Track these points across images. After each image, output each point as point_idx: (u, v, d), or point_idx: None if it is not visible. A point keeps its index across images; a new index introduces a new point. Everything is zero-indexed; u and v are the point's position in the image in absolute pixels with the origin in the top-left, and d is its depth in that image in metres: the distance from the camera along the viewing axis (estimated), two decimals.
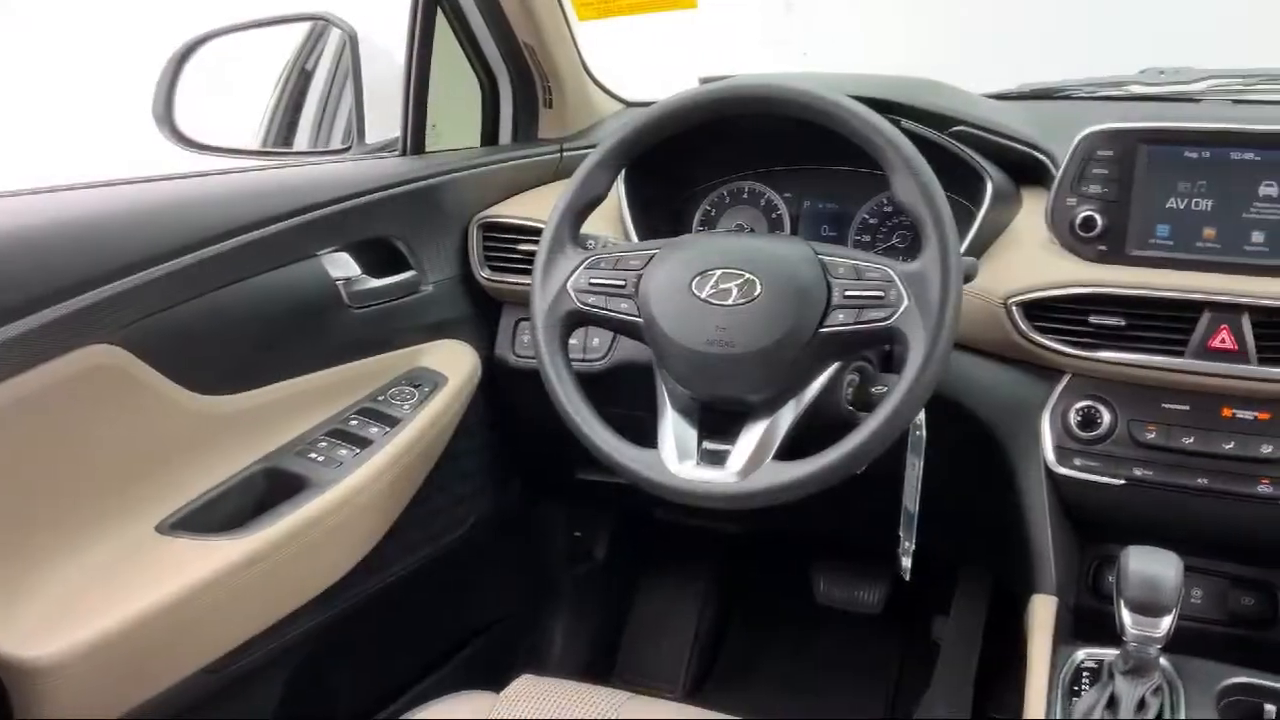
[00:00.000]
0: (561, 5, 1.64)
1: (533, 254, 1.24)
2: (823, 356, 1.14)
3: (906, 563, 1.30)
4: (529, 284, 1.23)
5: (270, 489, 1.29)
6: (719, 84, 1.19)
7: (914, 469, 1.27)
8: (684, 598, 2.15)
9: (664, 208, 1.60)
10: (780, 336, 1.09)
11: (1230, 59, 1.58)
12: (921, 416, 1.24)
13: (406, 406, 1.43)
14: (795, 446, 1.13)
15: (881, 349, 1.29)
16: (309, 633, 1.36)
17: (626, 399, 1.30)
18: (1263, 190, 1.20)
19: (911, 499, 1.29)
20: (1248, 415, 1.21)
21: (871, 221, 1.52)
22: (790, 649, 2.13)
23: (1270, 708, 1.11)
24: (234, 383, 1.27)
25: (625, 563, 2.18)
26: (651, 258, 1.18)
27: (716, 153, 1.58)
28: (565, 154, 1.72)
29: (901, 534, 1.30)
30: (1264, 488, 1.21)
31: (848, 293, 1.09)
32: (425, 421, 1.43)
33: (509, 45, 1.68)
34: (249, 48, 1.88)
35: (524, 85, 1.73)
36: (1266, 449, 1.20)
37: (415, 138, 1.61)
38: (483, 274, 1.59)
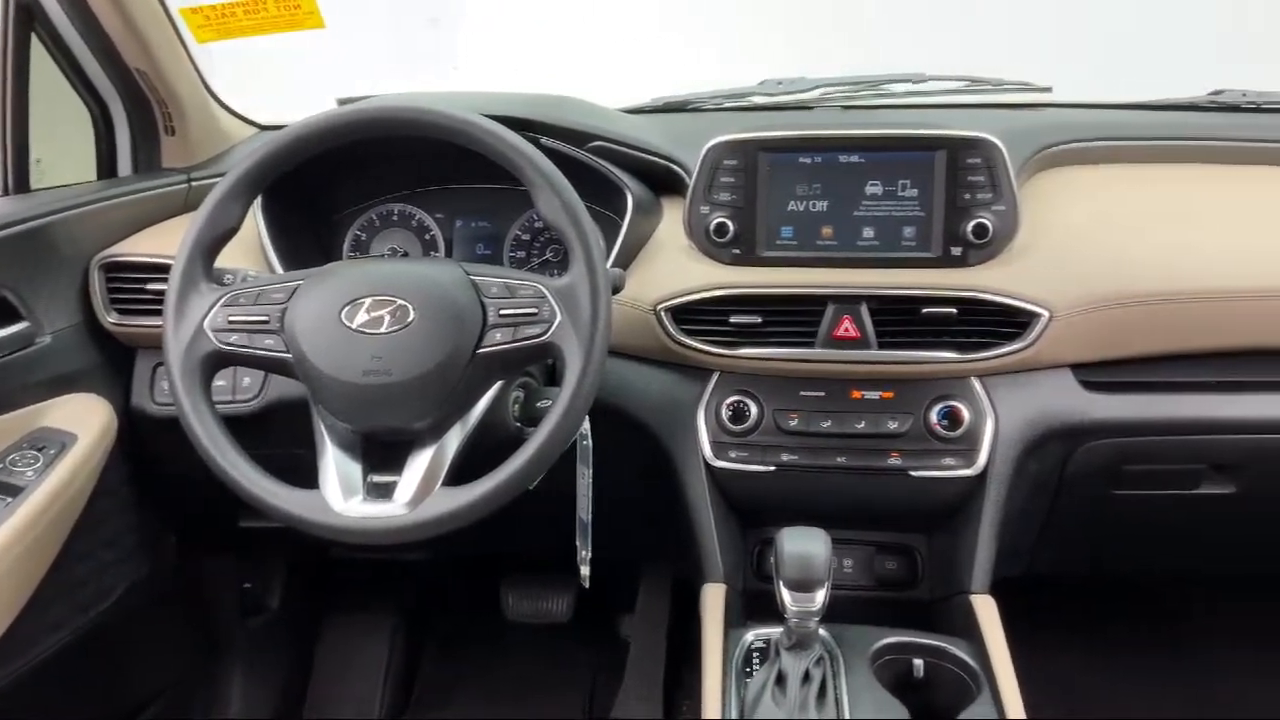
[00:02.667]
0: (176, 27, 1.52)
1: (164, 293, 1.15)
2: (484, 377, 1.13)
3: (585, 571, 1.32)
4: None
5: None
6: (353, 106, 1.16)
7: (584, 478, 1.30)
8: (371, 633, 2.08)
9: (310, 236, 1.54)
10: (439, 361, 1.07)
11: (837, 68, 1.72)
12: (587, 426, 1.26)
13: (30, 473, 1.29)
14: (466, 469, 1.12)
15: (543, 363, 1.31)
16: None
17: (285, 439, 1.24)
18: (869, 189, 1.33)
19: (585, 508, 1.31)
20: (874, 395, 1.34)
21: (524, 238, 1.53)
22: (486, 668, 2.11)
23: (919, 662, 1.22)
24: None
25: (304, 608, 2.08)
26: (296, 289, 1.13)
27: (363, 175, 1.54)
28: (194, 184, 1.61)
29: (578, 543, 1.32)
30: (894, 460, 1.33)
31: (502, 311, 1.10)
32: (54, 487, 1.29)
33: (118, 71, 1.54)
34: None
35: (141, 113, 1.60)
36: (893, 425, 1.33)
37: (16, 175, 1.45)
38: (109, 319, 1.46)
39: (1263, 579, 1.89)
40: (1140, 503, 1.45)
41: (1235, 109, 1.61)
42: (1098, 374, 1.35)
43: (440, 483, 1.09)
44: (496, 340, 1.09)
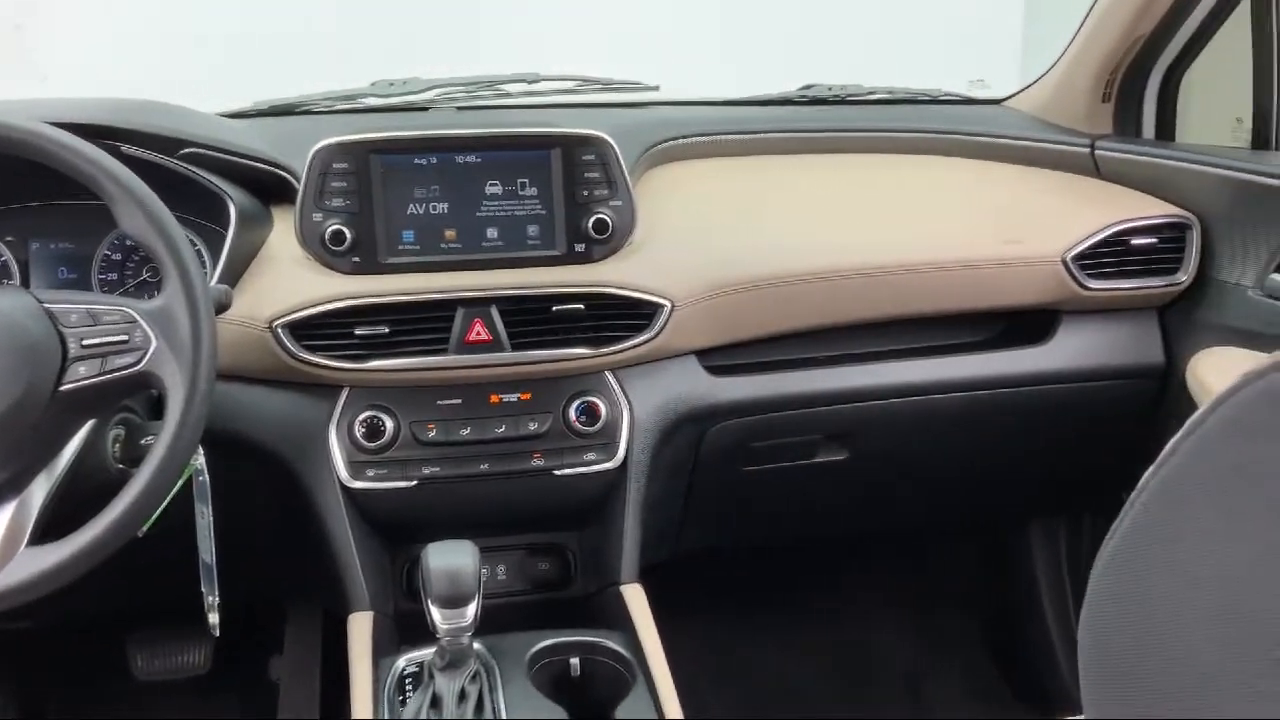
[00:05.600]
0: None
1: None
2: (71, 417, 1.02)
3: (214, 619, 1.21)
4: None
5: None
6: None
7: (204, 517, 1.19)
8: None
9: None
10: (9, 404, 0.95)
11: (453, 68, 1.70)
12: (202, 460, 1.16)
13: None
14: (60, 521, 1.00)
15: (147, 396, 1.19)
16: None
17: None
18: (489, 189, 1.31)
19: (207, 549, 1.20)
20: (512, 398, 1.32)
21: (115, 258, 1.38)
22: None
23: (575, 661, 1.21)
24: None
25: None
26: None
27: None
28: None
29: (204, 588, 1.21)
30: (536, 461, 1.33)
31: (85, 341, 0.99)
32: None
33: None
34: None
35: None
36: (533, 425, 1.32)
37: None
38: None
39: (884, 536, 2.08)
40: (769, 476, 1.54)
41: (823, 102, 1.75)
42: (720, 358, 1.42)
43: (25, 543, 0.97)
44: (81, 374, 0.97)
